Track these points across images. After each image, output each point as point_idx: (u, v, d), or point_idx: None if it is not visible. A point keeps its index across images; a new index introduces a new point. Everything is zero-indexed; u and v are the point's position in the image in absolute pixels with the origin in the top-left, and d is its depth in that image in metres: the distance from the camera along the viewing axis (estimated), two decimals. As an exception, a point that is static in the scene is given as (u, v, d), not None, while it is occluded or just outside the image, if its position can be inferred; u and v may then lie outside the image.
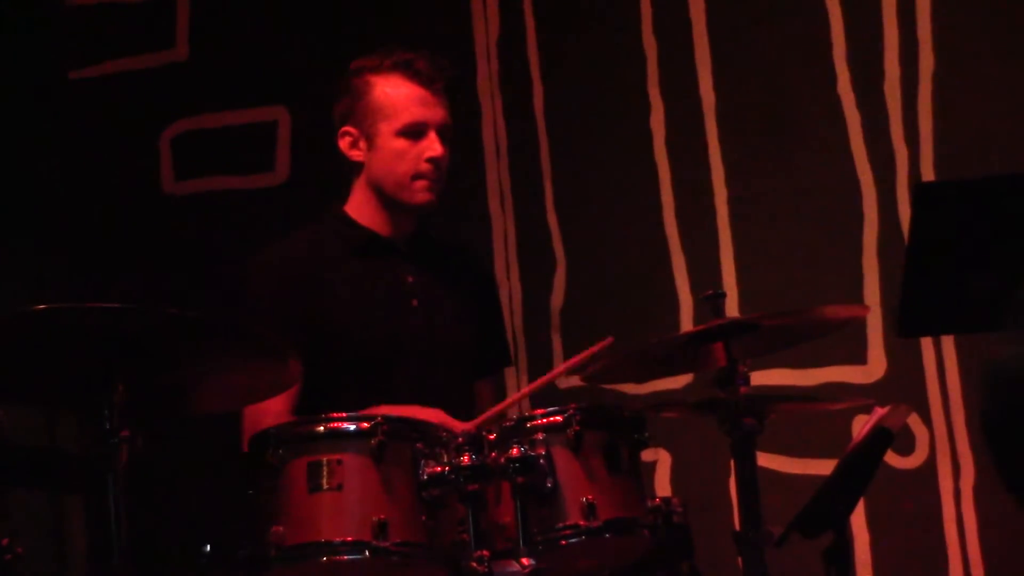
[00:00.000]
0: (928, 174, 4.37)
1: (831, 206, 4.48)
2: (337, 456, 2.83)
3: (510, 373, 4.60)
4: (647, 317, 4.59)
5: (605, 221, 4.69)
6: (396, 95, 3.53)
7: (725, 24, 4.63)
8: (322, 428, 2.89)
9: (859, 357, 4.41)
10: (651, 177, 4.66)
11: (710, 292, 3.23)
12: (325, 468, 2.82)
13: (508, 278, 4.74)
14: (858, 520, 4.32)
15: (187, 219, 5.02)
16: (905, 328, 3.23)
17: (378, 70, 3.55)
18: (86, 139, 5.10)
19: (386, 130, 3.52)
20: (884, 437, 3.17)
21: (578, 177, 4.74)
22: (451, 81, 3.58)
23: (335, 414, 2.92)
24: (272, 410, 3.31)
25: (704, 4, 4.64)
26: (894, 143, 4.43)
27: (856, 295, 4.40)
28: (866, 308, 4.14)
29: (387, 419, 2.85)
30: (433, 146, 3.51)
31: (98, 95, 5.11)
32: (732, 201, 4.57)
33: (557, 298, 4.71)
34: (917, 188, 3.78)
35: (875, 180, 4.45)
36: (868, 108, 4.46)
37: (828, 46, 4.51)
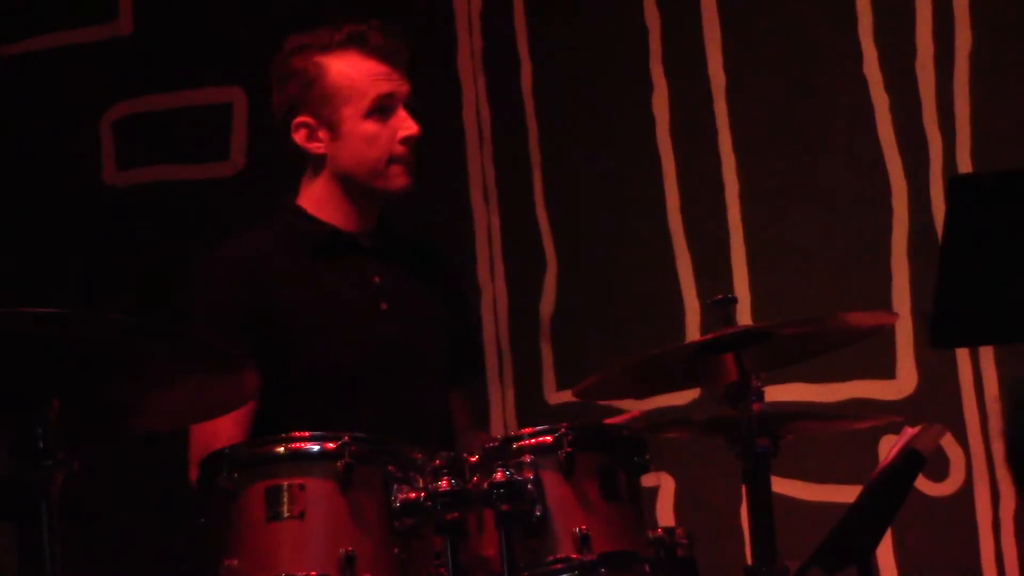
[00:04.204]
0: (965, 165, 4.39)
1: (856, 201, 4.49)
2: (299, 480, 2.83)
3: (494, 388, 4.61)
4: (648, 325, 4.60)
5: (601, 217, 4.70)
6: (356, 74, 3.51)
7: (737, -6, 4.66)
8: (282, 449, 2.88)
9: (887, 370, 4.42)
10: (653, 167, 4.67)
11: (719, 297, 3.23)
12: (285, 494, 2.82)
13: (492, 281, 4.75)
14: (885, 554, 4.34)
15: (131, 213, 5.02)
16: (939, 338, 3.24)
17: (328, 49, 3.52)
18: (16, 123, 5.09)
19: (351, 114, 3.50)
20: (915, 460, 3.19)
21: (571, 167, 4.74)
22: (409, 48, 3.56)
23: (296, 432, 2.91)
24: (224, 430, 3.30)
25: (713, -28, 4.67)
26: (927, 130, 4.44)
27: (884, 301, 4.41)
28: (895, 315, 4.15)
29: (355, 438, 2.85)
30: (406, 124, 3.51)
31: (29, 74, 5.10)
32: (744, 195, 4.59)
33: (547, 304, 4.72)
34: (952, 181, 3.80)
35: (905, 171, 4.46)
36: (897, 90, 4.48)
37: (853, 20, 4.52)
